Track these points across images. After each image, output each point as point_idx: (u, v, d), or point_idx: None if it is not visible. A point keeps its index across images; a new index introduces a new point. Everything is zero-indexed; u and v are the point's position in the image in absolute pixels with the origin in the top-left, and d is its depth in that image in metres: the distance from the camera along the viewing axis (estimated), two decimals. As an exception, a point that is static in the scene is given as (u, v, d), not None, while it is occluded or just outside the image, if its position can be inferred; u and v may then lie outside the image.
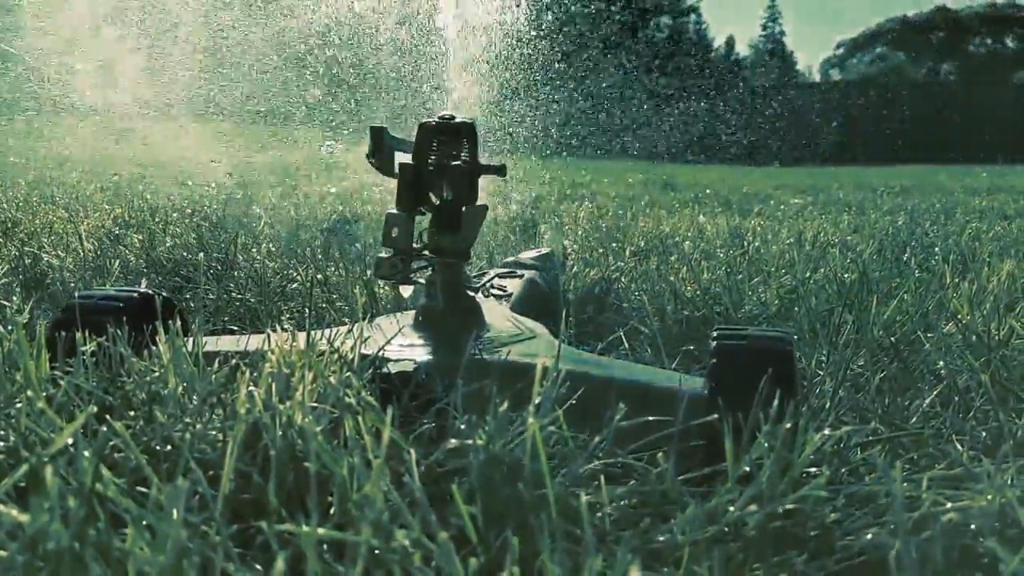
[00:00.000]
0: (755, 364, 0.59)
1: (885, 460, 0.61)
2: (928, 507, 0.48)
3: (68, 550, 0.36)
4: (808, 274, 1.44)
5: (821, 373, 0.86)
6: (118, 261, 1.53)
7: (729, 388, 0.60)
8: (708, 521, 0.47)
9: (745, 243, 2.06)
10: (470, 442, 0.49)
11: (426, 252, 0.83)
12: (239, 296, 1.25)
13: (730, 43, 46.89)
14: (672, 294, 1.25)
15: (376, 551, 0.40)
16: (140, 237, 1.84)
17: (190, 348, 0.65)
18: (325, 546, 0.44)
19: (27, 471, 0.43)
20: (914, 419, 0.76)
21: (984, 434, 0.71)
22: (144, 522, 0.40)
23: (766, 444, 0.51)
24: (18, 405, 0.58)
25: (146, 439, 0.55)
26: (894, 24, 44.31)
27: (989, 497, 0.49)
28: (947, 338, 0.98)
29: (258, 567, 0.45)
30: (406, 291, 0.93)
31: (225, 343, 0.76)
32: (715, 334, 0.67)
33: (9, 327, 0.69)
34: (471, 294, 0.84)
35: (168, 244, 1.77)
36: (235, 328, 1.14)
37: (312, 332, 0.65)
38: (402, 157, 0.84)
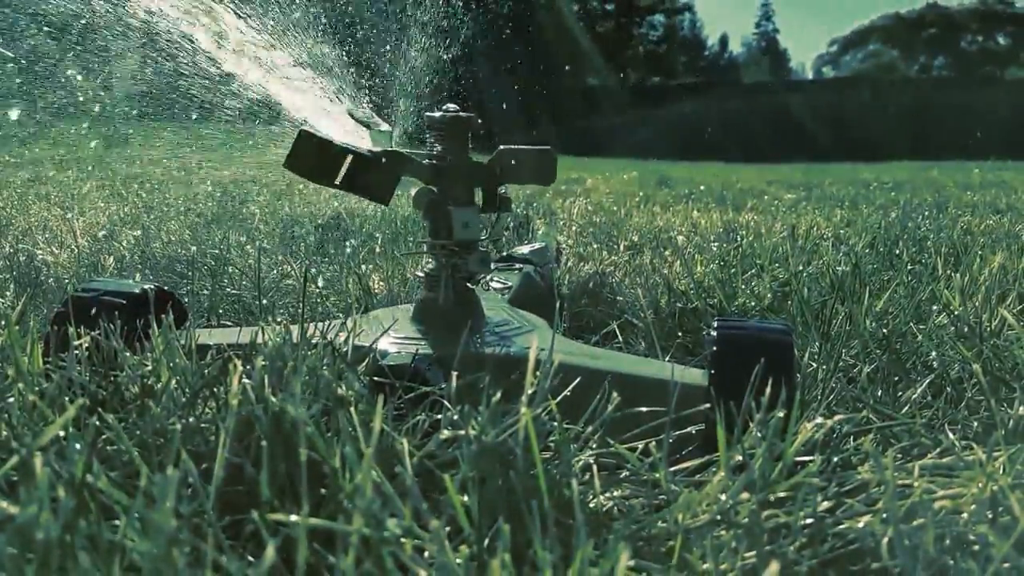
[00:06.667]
0: (756, 354, 0.59)
1: (877, 449, 0.61)
2: (920, 495, 0.49)
3: (58, 541, 0.36)
4: (801, 267, 1.44)
5: (814, 364, 0.86)
6: (112, 257, 1.53)
7: (730, 377, 0.60)
8: (701, 509, 0.47)
9: (739, 237, 2.07)
10: (463, 432, 0.49)
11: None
12: (234, 292, 1.25)
13: (724, 41, 46.98)
14: (666, 287, 1.26)
15: (367, 540, 0.40)
16: (135, 234, 1.84)
17: (183, 341, 0.65)
18: (316, 536, 0.44)
19: (17, 462, 0.43)
20: (906, 409, 0.76)
21: (975, 423, 0.71)
22: (135, 513, 0.40)
23: (759, 433, 0.51)
24: (10, 399, 0.58)
25: (139, 432, 0.55)
26: (887, 21, 44.41)
27: (980, 485, 0.49)
28: (939, 329, 0.99)
29: (250, 559, 0.45)
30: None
31: (218, 336, 0.76)
32: (716, 324, 0.67)
33: (1, 322, 0.69)
34: (470, 287, 0.84)
35: (164, 240, 1.77)
36: (229, 324, 1.14)
37: (305, 324, 0.65)
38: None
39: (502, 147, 0.85)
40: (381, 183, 0.80)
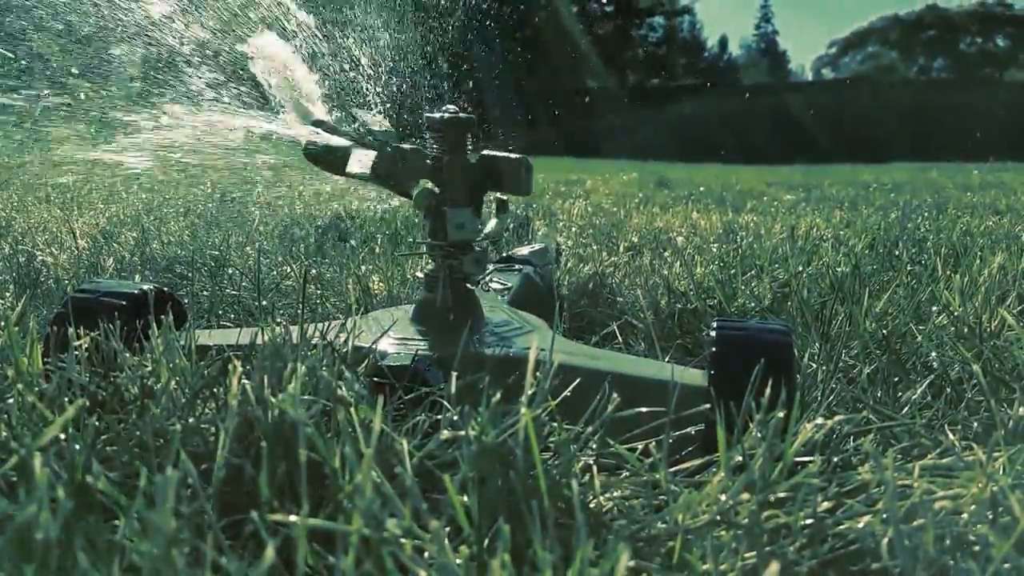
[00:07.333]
0: (756, 354, 0.59)
1: (877, 450, 0.61)
2: (920, 496, 0.48)
3: (57, 541, 0.36)
4: (800, 268, 1.44)
5: (814, 365, 0.86)
6: (112, 258, 1.53)
7: (730, 377, 0.60)
8: (701, 509, 0.47)
9: (738, 238, 2.07)
10: (463, 433, 0.49)
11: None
12: (233, 292, 1.25)
13: (723, 43, 47.01)
14: (666, 288, 1.26)
15: (367, 541, 0.40)
16: (134, 235, 1.84)
17: (183, 342, 0.65)
18: (316, 536, 0.44)
19: (17, 463, 0.43)
20: (906, 409, 0.76)
21: (975, 424, 0.71)
22: (135, 513, 0.40)
23: (759, 434, 0.51)
24: (10, 400, 0.58)
25: (138, 433, 0.55)
26: (886, 23, 44.44)
27: (980, 485, 0.49)
28: (939, 330, 0.99)
29: (250, 559, 0.45)
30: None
31: (218, 337, 0.76)
32: (715, 324, 0.67)
33: (1, 323, 0.69)
34: (469, 287, 0.84)
35: (163, 241, 1.77)
36: (228, 324, 1.14)
37: (305, 325, 0.65)
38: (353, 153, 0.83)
39: (484, 152, 0.85)
40: (404, 178, 0.81)
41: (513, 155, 0.84)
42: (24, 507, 0.35)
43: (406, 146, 0.82)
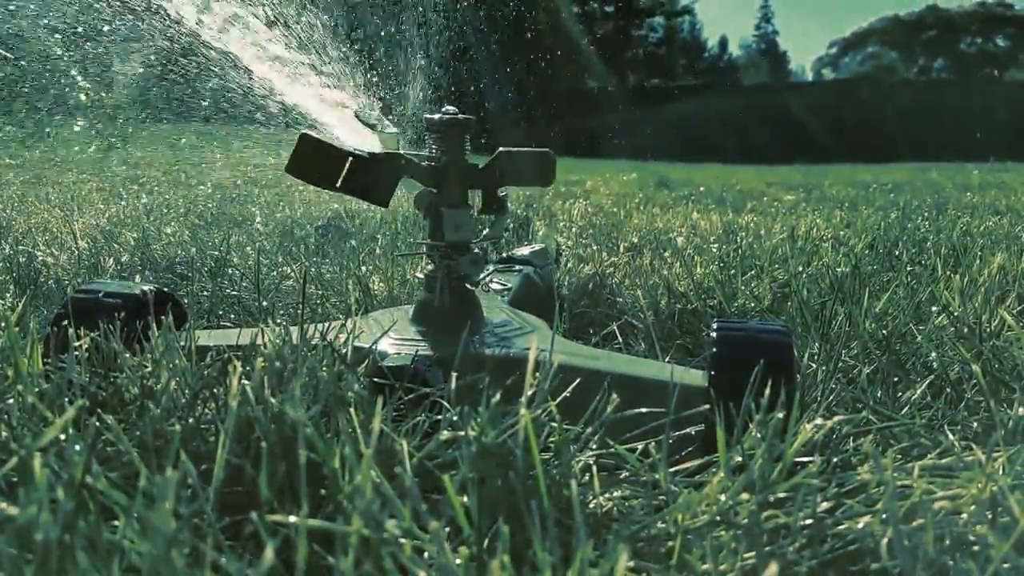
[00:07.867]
0: (756, 354, 0.59)
1: (877, 450, 0.61)
2: (919, 496, 0.48)
3: (57, 541, 0.36)
4: (800, 268, 1.44)
5: (813, 365, 0.86)
6: (112, 259, 1.53)
7: (730, 378, 0.61)
8: (700, 510, 0.47)
9: (738, 238, 2.07)
10: (462, 433, 0.49)
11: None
12: (233, 293, 1.25)
13: (723, 43, 47.00)
14: (666, 288, 1.26)
15: (367, 541, 0.40)
16: (134, 235, 1.84)
17: (183, 342, 0.65)
18: (316, 536, 0.44)
19: (17, 463, 0.43)
20: (906, 410, 0.76)
21: (975, 424, 0.71)
22: (135, 514, 0.40)
23: (758, 434, 0.51)
24: (10, 400, 0.58)
25: (138, 433, 0.55)
26: (886, 23, 44.42)
27: (980, 486, 0.49)
28: (939, 330, 0.99)
29: (249, 559, 0.45)
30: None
31: (218, 337, 0.76)
32: (716, 325, 0.67)
33: (1, 323, 0.69)
34: (469, 288, 0.84)
35: (163, 241, 1.77)
36: (228, 325, 1.14)
37: (305, 325, 0.65)
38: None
39: (501, 149, 0.85)
40: (380, 185, 0.80)
41: (536, 148, 0.85)
42: (25, 508, 0.36)
43: (379, 152, 0.81)
